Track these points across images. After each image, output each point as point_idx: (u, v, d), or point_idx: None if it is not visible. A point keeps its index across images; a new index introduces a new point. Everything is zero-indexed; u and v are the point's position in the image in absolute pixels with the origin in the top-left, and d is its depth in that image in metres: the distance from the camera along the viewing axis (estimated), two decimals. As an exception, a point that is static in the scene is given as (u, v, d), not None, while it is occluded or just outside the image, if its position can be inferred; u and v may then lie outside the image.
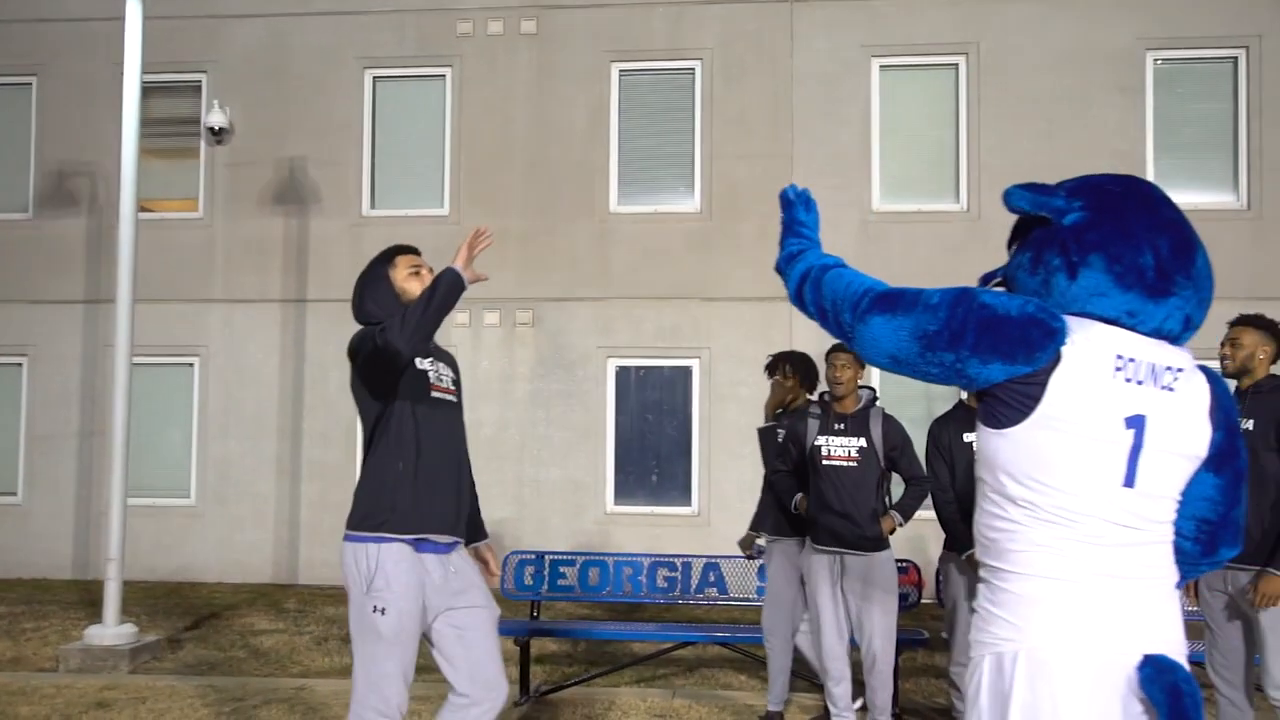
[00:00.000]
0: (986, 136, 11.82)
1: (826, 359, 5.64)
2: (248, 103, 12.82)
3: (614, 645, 8.31)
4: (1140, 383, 2.12)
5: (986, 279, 2.42)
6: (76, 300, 12.86)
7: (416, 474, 3.68)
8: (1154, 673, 2.01)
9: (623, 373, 12.30)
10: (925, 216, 11.84)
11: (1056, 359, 2.09)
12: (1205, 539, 2.28)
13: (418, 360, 3.78)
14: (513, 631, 6.75)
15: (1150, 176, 11.52)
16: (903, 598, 6.37)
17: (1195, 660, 6.07)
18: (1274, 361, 4.79)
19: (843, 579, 5.52)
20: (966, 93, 11.96)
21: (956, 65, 12.03)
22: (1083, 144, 11.56)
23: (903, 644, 6.08)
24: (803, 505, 5.66)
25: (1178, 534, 2.24)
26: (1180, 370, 2.17)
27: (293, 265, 12.71)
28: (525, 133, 12.51)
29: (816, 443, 5.54)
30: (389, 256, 3.97)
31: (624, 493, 11.98)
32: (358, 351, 3.69)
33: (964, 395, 5.67)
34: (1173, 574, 2.19)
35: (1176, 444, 2.15)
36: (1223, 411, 2.23)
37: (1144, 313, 2.15)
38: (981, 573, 2.23)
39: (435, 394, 3.81)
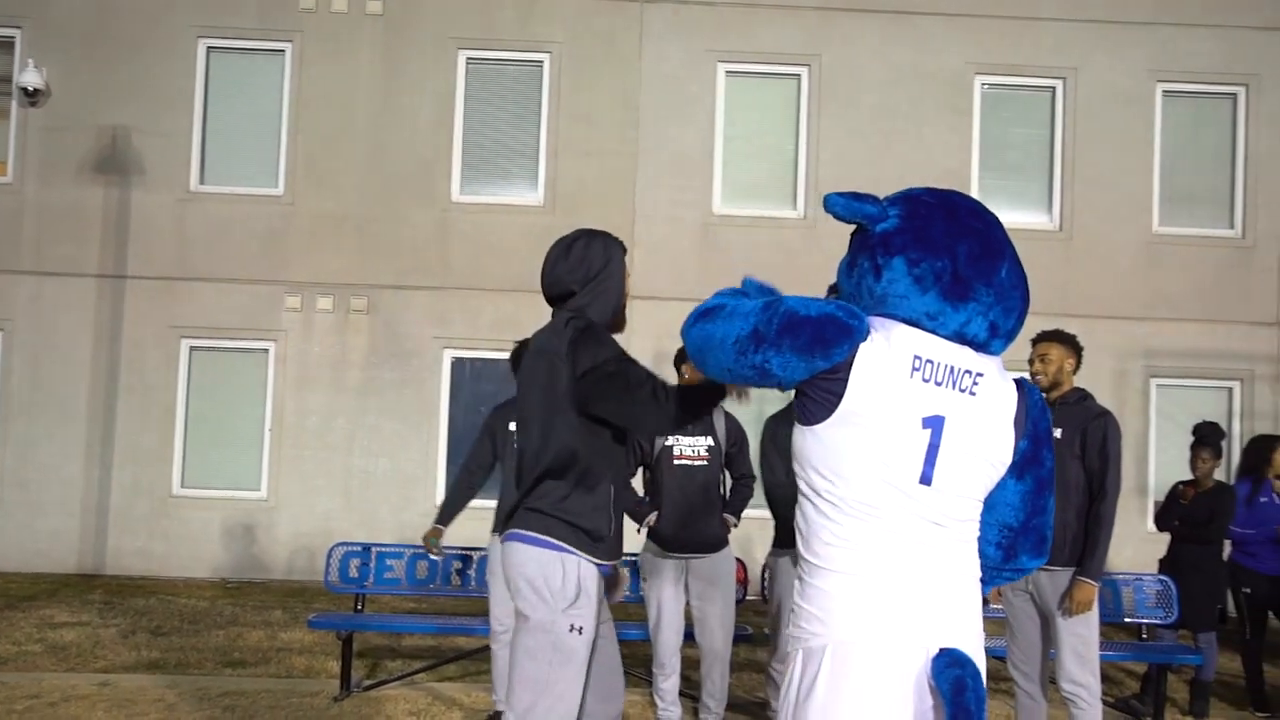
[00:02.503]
0: (825, 147, 12.18)
1: (680, 364, 5.63)
2: (68, 64, 12.09)
3: (440, 640, 8.20)
4: (939, 384, 2.20)
5: (831, 289, 2.50)
6: None
7: (620, 495, 3.30)
8: (944, 666, 2.10)
9: (458, 364, 12.16)
10: (765, 222, 12.10)
11: (854, 355, 2.17)
12: (1006, 545, 2.37)
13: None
14: (335, 625, 6.58)
15: (974, 195, 12.10)
16: (728, 594, 6.48)
17: (996, 655, 6.41)
18: (1074, 373, 5.09)
19: (687, 575, 5.58)
20: (808, 103, 12.29)
21: (799, 76, 12.35)
22: (914, 160, 12.03)
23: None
24: (653, 523, 5.52)
25: (983, 539, 2.33)
26: (981, 375, 2.25)
27: (111, 239, 12.06)
28: (367, 115, 12.21)
29: (667, 443, 5.48)
30: (623, 249, 3.43)
31: (456, 486, 11.82)
32: (618, 380, 3.07)
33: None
34: (975, 572, 2.28)
35: (976, 447, 2.23)
36: (1030, 421, 2.33)
37: (943, 315, 2.23)
38: (797, 569, 2.30)
39: None
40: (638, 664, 7.19)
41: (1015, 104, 12.47)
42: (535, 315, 12.95)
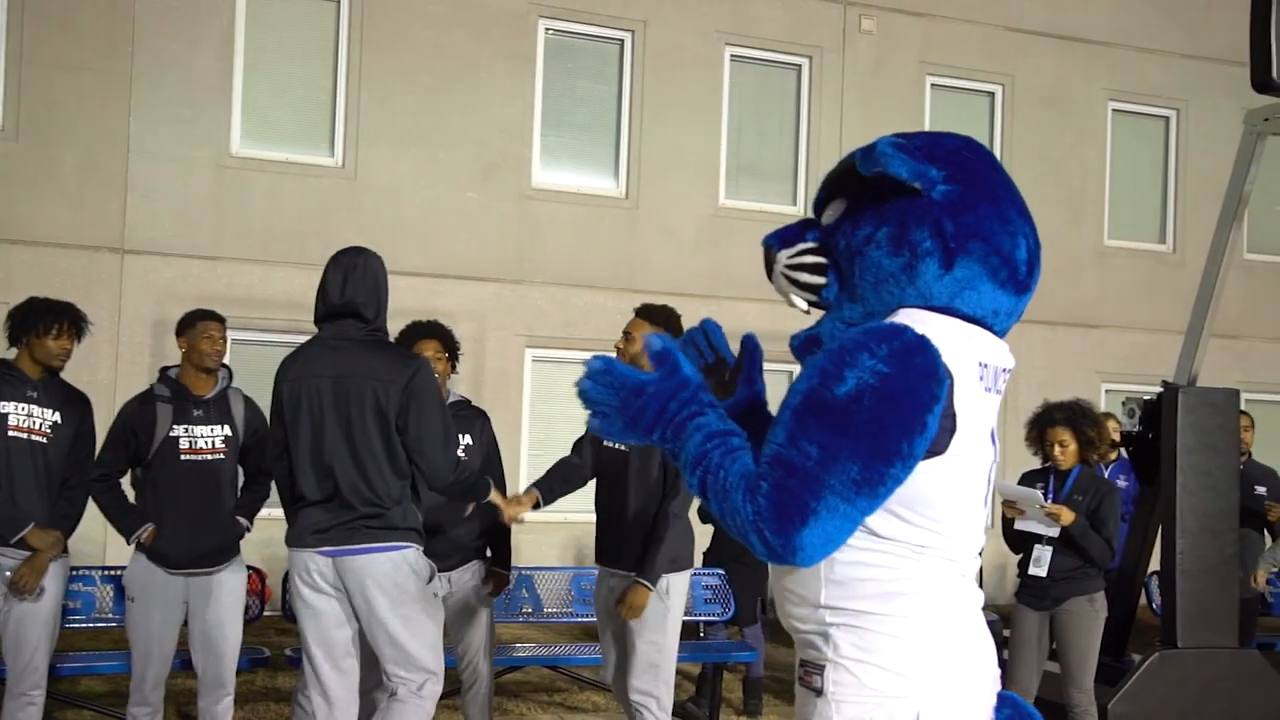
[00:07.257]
0: (368, 85, 11.99)
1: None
2: None
3: None
4: (989, 390, 2.15)
5: (781, 240, 2.29)
6: None
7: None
8: (1015, 715, 2.19)
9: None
10: (295, 169, 11.74)
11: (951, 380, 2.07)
12: None
13: None
14: None
15: (536, 154, 12.47)
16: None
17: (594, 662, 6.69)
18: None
19: (189, 595, 5.35)
20: (348, 32, 12.03)
21: (338, -2, 12.08)
22: (471, 108, 12.18)
23: (244, 665, 6.02)
24: (148, 540, 5.23)
25: None
26: (1010, 371, 2.23)
27: None
28: None
29: (172, 433, 5.23)
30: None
31: None
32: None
33: None
34: None
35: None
36: None
37: (1005, 311, 2.18)
38: (837, 619, 2.16)
39: None
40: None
41: (582, 55, 12.99)
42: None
